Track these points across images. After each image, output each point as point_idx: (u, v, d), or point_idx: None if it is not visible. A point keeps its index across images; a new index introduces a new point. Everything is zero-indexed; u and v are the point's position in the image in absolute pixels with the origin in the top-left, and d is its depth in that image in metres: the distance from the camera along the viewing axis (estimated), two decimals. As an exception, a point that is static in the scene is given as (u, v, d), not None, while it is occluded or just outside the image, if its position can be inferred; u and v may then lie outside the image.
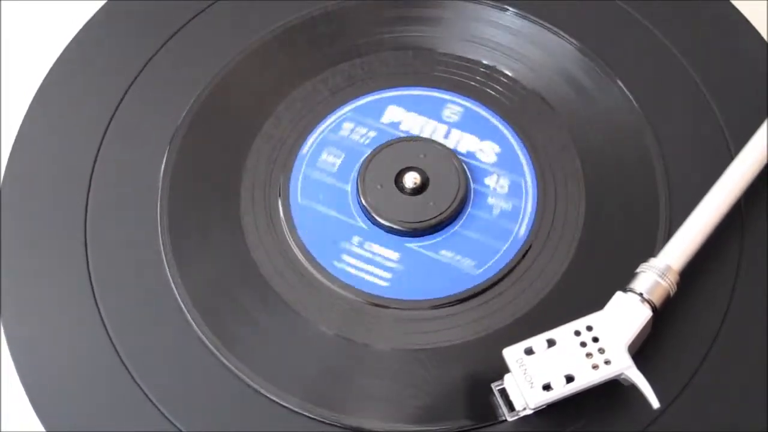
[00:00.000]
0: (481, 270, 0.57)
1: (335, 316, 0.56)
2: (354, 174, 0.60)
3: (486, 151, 0.61)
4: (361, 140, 0.61)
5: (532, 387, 0.50)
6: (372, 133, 0.61)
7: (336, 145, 0.61)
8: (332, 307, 0.57)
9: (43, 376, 0.55)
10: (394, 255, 0.58)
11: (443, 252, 0.58)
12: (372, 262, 0.57)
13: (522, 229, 0.58)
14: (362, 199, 0.58)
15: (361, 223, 0.59)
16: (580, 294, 0.56)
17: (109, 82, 0.62)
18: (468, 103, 0.62)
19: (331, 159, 0.61)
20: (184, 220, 0.59)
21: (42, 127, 0.61)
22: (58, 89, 0.62)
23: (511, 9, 0.64)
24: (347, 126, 0.62)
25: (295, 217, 0.59)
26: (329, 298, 0.57)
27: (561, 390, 0.50)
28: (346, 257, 0.58)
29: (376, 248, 0.58)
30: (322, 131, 0.61)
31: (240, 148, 0.61)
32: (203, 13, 0.64)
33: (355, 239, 0.58)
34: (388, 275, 0.57)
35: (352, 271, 0.57)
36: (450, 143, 0.61)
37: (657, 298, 0.52)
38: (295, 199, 0.59)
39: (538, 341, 0.51)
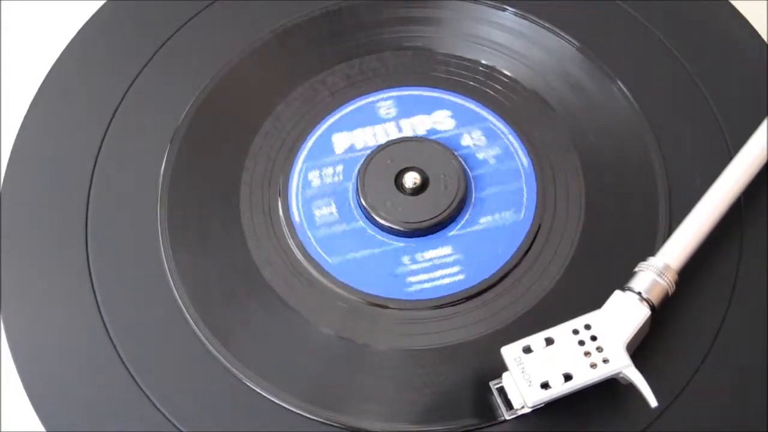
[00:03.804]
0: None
1: (335, 316, 0.56)
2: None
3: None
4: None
5: (530, 385, 0.50)
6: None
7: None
8: (332, 308, 0.57)
9: (43, 376, 0.55)
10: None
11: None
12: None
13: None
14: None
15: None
16: (579, 293, 0.56)
17: (110, 81, 0.62)
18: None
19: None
20: (184, 220, 0.59)
21: (42, 127, 0.61)
22: (58, 89, 0.62)
23: (510, 9, 0.64)
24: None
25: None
26: (329, 298, 0.57)
27: (559, 388, 0.50)
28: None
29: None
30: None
31: (240, 148, 0.61)
32: (203, 13, 0.64)
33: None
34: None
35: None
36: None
37: (655, 297, 0.52)
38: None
39: (536, 340, 0.51)
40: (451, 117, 0.62)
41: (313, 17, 0.64)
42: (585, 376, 0.50)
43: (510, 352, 0.51)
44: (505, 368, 0.51)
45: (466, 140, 0.61)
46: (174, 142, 0.61)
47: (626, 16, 0.64)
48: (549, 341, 0.51)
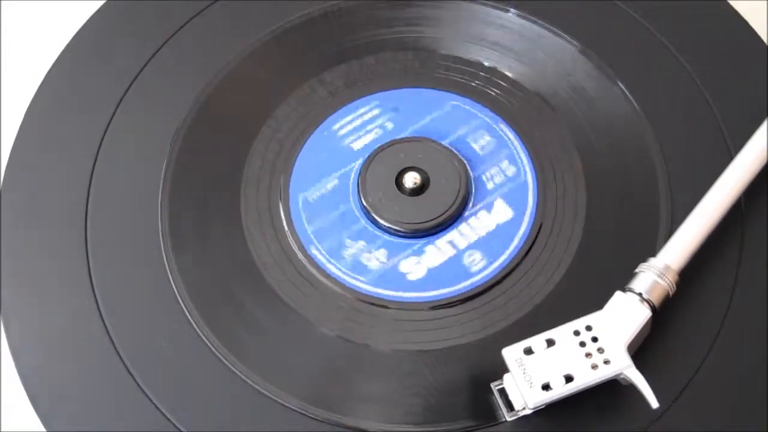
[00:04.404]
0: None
1: (336, 316, 0.56)
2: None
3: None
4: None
5: (531, 387, 0.50)
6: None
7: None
8: (333, 308, 0.57)
9: (43, 376, 0.55)
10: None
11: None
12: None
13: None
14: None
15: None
16: (580, 294, 0.56)
17: (109, 82, 0.62)
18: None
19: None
20: (184, 220, 0.59)
21: (42, 127, 0.61)
22: (57, 89, 0.62)
23: (511, 9, 0.64)
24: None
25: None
26: (330, 299, 0.57)
27: (560, 390, 0.50)
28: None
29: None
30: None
31: (240, 148, 0.61)
32: (202, 14, 0.64)
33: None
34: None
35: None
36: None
37: (656, 298, 0.52)
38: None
39: (537, 341, 0.51)
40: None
41: (313, 18, 0.64)
42: (586, 378, 0.50)
43: (511, 353, 0.51)
44: (506, 369, 0.51)
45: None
46: (174, 142, 0.61)
47: (626, 17, 0.64)
48: (550, 342, 0.51)
